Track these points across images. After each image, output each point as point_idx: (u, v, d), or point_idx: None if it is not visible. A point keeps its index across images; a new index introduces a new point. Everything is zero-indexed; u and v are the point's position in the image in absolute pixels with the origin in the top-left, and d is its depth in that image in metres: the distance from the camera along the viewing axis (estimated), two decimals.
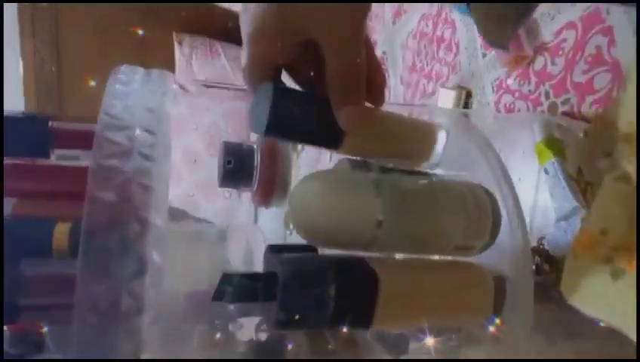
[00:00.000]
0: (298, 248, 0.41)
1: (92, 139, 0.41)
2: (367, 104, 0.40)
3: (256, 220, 0.70)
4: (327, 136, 0.42)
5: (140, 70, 0.41)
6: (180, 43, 2.60)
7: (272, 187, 0.52)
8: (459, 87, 0.80)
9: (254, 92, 0.39)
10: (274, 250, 0.45)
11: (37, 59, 2.59)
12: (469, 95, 0.78)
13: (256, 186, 0.52)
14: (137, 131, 0.32)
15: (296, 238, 0.47)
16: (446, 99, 0.80)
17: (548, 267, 0.53)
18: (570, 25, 0.59)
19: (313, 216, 0.36)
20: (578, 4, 0.59)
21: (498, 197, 0.43)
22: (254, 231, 0.71)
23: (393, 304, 0.35)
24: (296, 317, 0.33)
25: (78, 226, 0.35)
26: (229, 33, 2.79)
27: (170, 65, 2.62)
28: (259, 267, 0.59)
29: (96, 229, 0.30)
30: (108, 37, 2.64)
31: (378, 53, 1.12)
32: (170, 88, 0.40)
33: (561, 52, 0.60)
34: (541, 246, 0.55)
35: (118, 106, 0.33)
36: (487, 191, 0.42)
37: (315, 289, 0.33)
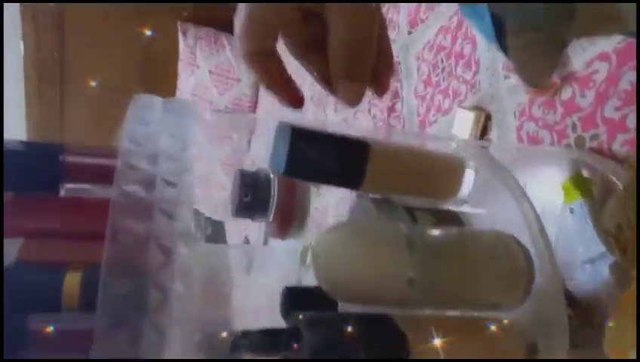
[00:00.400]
0: (316, 294, 0.40)
1: (103, 173, 0.39)
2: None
3: (266, 240, 0.67)
4: (348, 176, 0.41)
5: (159, 102, 0.39)
6: (184, 33, 2.56)
7: (289, 219, 0.50)
8: (478, 109, 0.77)
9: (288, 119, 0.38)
10: (292, 293, 0.43)
11: (39, 43, 2.54)
12: (488, 118, 0.76)
13: (272, 217, 0.50)
14: (159, 185, 0.30)
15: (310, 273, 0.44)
16: (464, 120, 0.77)
17: (572, 311, 0.51)
18: (603, 56, 0.57)
19: (340, 272, 0.34)
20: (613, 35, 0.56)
21: (528, 241, 0.41)
22: (264, 252, 0.69)
23: None
24: None
25: (90, 276, 0.33)
26: (234, 25, 2.75)
27: (173, 54, 2.59)
28: (263, 290, 0.56)
29: (116, 274, 0.28)
30: (112, 22, 2.60)
31: None
32: (192, 128, 0.37)
33: (591, 84, 0.57)
34: (565, 289, 0.53)
35: (138, 154, 0.31)
36: (519, 243, 0.40)
37: (344, 356, 0.31)
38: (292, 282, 0.54)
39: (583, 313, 0.51)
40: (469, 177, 0.46)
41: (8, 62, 2.50)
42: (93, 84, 2.46)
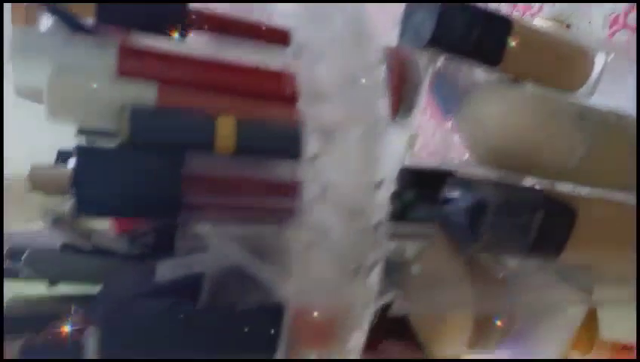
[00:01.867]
0: (435, 173, 0.38)
1: (229, 25, 0.36)
2: None
3: None
4: (489, 52, 0.39)
5: None
6: None
7: (396, 99, 0.47)
8: (555, 20, 0.73)
9: None
10: (409, 173, 0.41)
11: None
12: (567, 28, 0.72)
13: None
14: None
15: None
16: None
17: None
18: None
19: (503, 138, 0.32)
20: None
21: None
22: None
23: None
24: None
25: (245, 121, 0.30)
26: None
27: None
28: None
29: None
30: None
31: None
32: None
33: None
34: None
35: None
36: None
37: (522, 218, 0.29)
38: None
39: None
40: (598, 65, 0.44)
41: None
42: None
